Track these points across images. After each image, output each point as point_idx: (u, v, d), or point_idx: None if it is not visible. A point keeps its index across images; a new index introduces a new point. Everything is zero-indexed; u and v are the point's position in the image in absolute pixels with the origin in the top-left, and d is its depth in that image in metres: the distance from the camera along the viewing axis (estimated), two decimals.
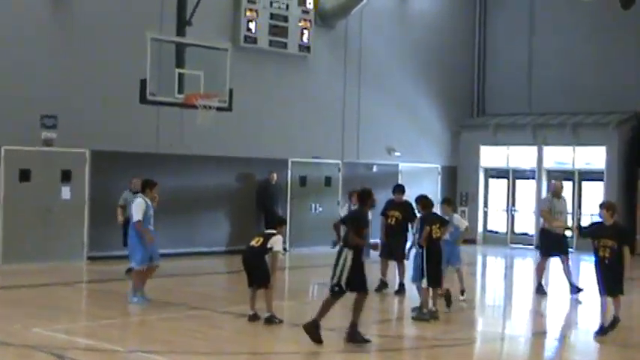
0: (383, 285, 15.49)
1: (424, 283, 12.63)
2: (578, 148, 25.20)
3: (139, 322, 12.46)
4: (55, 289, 15.34)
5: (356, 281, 10.62)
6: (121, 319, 12.44)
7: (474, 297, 15.66)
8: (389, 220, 15.42)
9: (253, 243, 11.81)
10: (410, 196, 15.95)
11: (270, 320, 11.78)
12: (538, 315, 14.29)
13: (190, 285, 15.79)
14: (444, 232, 13.26)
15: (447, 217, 14.48)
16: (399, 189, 15.78)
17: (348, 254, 10.62)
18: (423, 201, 13.13)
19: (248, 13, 21.47)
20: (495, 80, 27.85)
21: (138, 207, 13.07)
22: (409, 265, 13.87)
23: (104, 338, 10.93)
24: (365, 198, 11.28)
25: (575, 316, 14.43)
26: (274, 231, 11.87)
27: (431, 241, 12.69)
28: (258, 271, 11.75)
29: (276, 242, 11.62)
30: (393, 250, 15.39)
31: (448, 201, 15.00)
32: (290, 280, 18.27)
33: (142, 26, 17.45)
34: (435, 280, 12.71)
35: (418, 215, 13.43)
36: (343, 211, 16.45)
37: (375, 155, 25.00)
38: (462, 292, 14.54)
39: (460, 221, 14.61)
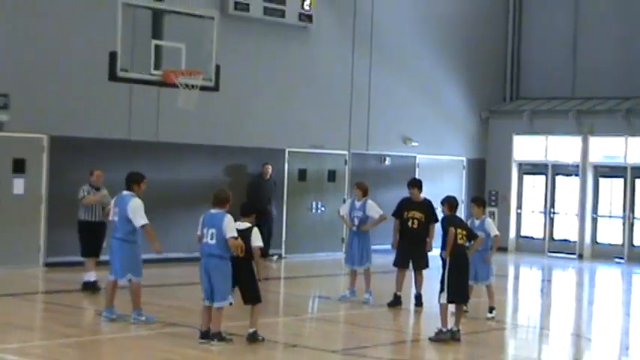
0: (397, 300, 15.47)
1: (443, 297, 12.60)
2: (632, 139, 25.12)
3: (105, 341, 12.39)
4: (4, 301, 15.22)
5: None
6: (84, 338, 12.36)
7: (505, 315, 15.54)
8: (409, 223, 15.39)
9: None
10: (429, 194, 15.91)
11: (254, 337, 11.93)
12: (581, 338, 14.19)
13: (166, 297, 15.73)
14: (475, 245, 13.18)
15: (477, 221, 14.48)
16: (416, 184, 15.68)
17: None
18: (452, 202, 13.08)
19: None
20: (532, 57, 27.75)
21: (141, 208, 13.18)
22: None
23: None
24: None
25: (626, 341, 14.33)
26: (248, 224, 12.02)
27: (458, 250, 12.63)
28: (249, 284, 11.92)
29: (257, 237, 11.87)
30: (411, 258, 15.40)
31: (478, 200, 14.95)
32: (285, 292, 18.24)
33: None
34: (458, 294, 12.66)
35: (441, 217, 13.37)
36: (345, 208, 16.41)
37: (389, 145, 24.93)
38: (491, 310, 14.52)
39: (492, 227, 14.55)
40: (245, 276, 11.93)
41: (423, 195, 15.59)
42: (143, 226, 13.12)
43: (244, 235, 11.84)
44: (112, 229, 13.58)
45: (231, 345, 11.76)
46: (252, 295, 11.98)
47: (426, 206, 15.41)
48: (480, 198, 15.60)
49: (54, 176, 18.88)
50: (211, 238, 11.73)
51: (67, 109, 19.00)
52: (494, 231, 14.54)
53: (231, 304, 11.80)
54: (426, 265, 15.42)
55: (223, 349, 11.63)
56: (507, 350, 13.27)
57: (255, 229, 11.96)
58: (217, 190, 12.19)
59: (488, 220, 14.65)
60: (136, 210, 13.08)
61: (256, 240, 11.86)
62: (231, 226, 11.68)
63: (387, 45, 24.63)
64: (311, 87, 23.23)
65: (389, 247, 16.11)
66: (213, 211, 11.93)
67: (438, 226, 14.62)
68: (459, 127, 26.90)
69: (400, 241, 15.55)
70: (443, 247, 12.76)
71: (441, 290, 12.65)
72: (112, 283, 13.29)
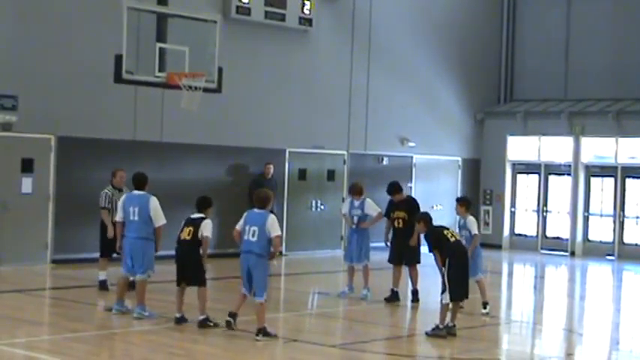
0: (394, 296, 15.49)
1: (445, 298, 12.56)
2: (622, 140, 25.12)
3: (111, 336, 12.40)
4: (13, 296, 15.25)
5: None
6: (90, 333, 12.35)
7: (499, 311, 15.57)
8: (395, 223, 15.60)
9: (185, 236, 12.66)
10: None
11: (204, 323, 12.37)
12: (573, 333, 14.19)
13: (170, 293, 15.71)
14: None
15: (461, 220, 14.51)
16: (396, 189, 15.83)
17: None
18: (426, 218, 13.15)
19: None
20: (526, 60, 27.76)
21: (160, 209, 13.37)
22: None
23: (70, 354, 10.87)
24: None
25: (617, 336, 14.34)
26: (202, 215, 12.80)
27: (453, 247, 12.63)
28: (193, 267, 12.62)
29: (206, 227, 12.63)
30: (403, 255, 15.53)
31: (462, 201, 14.97)
32: (286, 288, 18.24)
33: None
34: (459, 292, 12.65)
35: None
36: (345, 207, 16.45)
37: (386, 146, 24.93)
38: (485, 305, 14.51)
39: (472, 226, 14.53)
40: (191, 261, 12.57)
41: (408, 194, 15.72)
42: (161, 226, 13.31)
43: (196, 224, 12.57)
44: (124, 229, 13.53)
45: (242, 340, 11.76)
46: (197, 278, 12.59)
47: (408, 204, 15.57)
48: (463, 198, 15.59)
49: (61, 175, 18.89)
50: (252, 236, 11.91)
51: (74, 111, 19.01)
52: (474, 229, 14.49)
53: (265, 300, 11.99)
54: (418, 261, 15.52)
55: (231, 343, 11.63)
56: (501, 345, 13.27)
57: (207, 221, 12.64)
58: (258, 191, 12.52)
59: (470, 219, 14.59)
60: (158, 209, 13.34)
61: (205, 230, 12.53)
62: (276, 226, 11.91)
63: (384, 48, 24.64)
64: (311, 89, 23.23)
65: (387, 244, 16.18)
66: (256, 210, 12.11)
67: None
68: (454, 128, 26.90)
69: (392, 240, 15.74)
70: (429, 249, 12.85)
71: (443, 290, 12.62)
72: (125, 279, 13.40)
